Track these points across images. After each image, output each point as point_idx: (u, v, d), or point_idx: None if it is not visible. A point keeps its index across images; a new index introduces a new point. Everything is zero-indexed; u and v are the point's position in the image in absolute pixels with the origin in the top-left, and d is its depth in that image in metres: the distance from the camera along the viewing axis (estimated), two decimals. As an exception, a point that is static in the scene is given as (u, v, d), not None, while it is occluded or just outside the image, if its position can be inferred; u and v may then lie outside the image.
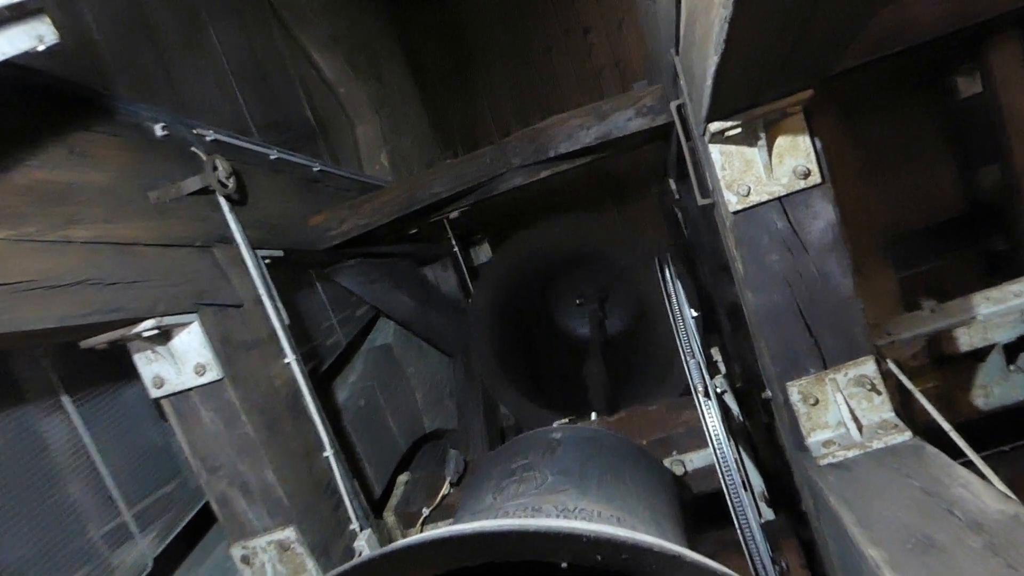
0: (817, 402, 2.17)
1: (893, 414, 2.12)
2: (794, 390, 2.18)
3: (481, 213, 6.80)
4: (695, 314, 2.80)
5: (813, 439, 2.16)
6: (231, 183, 2.76)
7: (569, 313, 5.69)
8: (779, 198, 2.10)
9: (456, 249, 5.73)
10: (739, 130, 1.94)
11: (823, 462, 2.07)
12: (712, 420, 2.25)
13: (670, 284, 2.83)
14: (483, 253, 6.62)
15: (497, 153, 3.40)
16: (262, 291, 2.80)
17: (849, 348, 2.18)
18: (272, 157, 3.34)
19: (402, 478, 3.57)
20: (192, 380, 2.44)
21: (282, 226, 3.26)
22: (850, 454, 2.06)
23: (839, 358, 2.18)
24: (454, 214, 3.95)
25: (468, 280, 5.84)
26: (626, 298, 5.39)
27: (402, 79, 6.77)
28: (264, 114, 3.92)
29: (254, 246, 2.84)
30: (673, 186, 4.78)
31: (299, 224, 3.47)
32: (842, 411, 2.13)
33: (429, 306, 4.99)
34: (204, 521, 2.78)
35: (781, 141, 2.04)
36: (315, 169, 3.82)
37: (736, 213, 2.13)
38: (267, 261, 2.93)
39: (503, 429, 5.50)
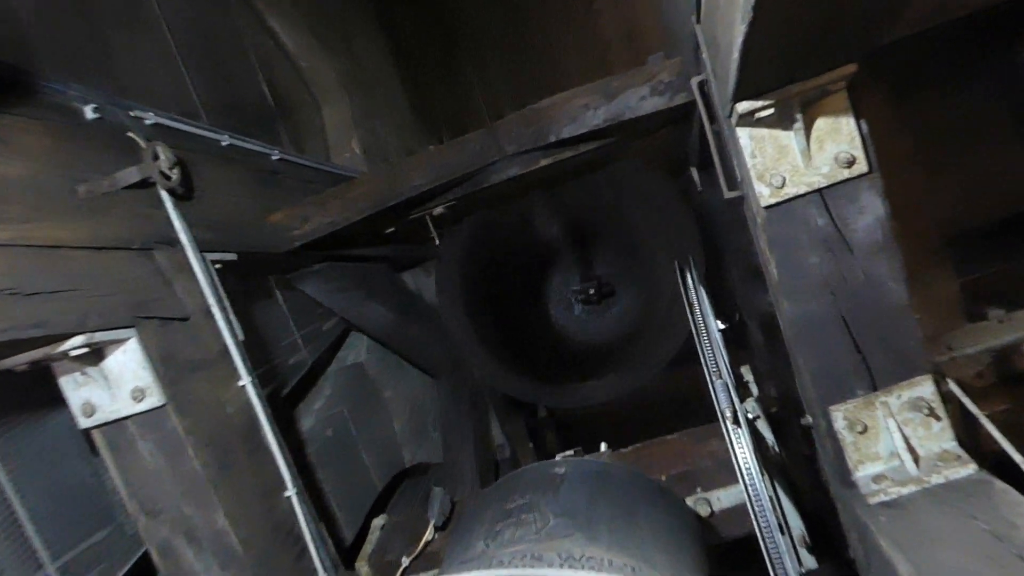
0: (866, 429, 2.17)
1: (955, 443, 2.12)
2: (839, 415, 2.18)
3: (470, 209, 6.81)
4: (722, 326, 2.79)
5: (861, 473, 2.15)
6: (175, 174, 2.75)
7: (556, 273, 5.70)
8: (819, 190, 2.10)
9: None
10: (771, 111, 1.95)
11: (873, 500, 2.07)
12: (743, 451, 2.25)
13: (692, 291, 2.83)
14: (472, 256, 6.62)
15: (488, 139, 3.39)
16: (212, 301, 2.78)
17: (902, 366, 2.18)
18: (224, 144, 3.33)
19: (377, 522, 3.55)
20: (129, 407, 2.42)
21: (235, 225, 3.25)
22: (905, 491, 2.05)
23: (891, 378, 2.18)
24: (438, 210, 3.94)
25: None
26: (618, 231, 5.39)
27: (378, 54, 6.78)
28: (215, 94, 3.91)
29: (202, 248, 2.83)
30: (695, 177, 4.78)
31: (255, 222, 3.47)
32: (895, 440, 2.13)
33: (409, 318, 4.99)
34: (143, 574, 2.76)
35: (821, 124, 2.04)
36: (274, 158, 3.82)
37: (769, 208, 2.13)
38: (218, 266, 2.91)
39: (497, 462, 5.50)
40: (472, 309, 5.12)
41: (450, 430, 5.20)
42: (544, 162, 3.49)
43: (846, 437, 2.18)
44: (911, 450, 2.13)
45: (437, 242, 5.57)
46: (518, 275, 5.66)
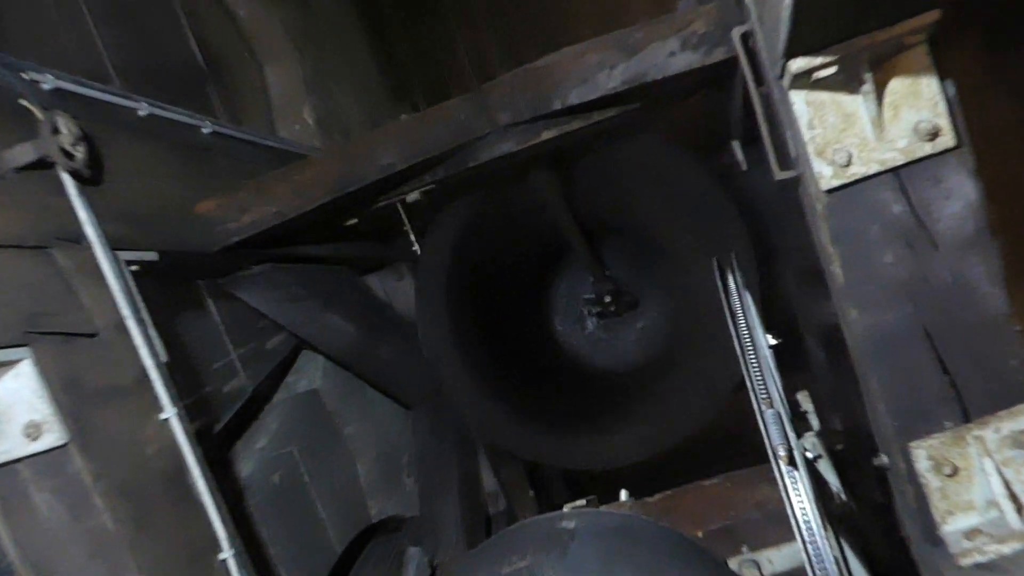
0: (956, 472, 2.17)
1: (1069, 489, 2.13)
2: (921, 454, 2.19)
3: (453, 195, 6.82)
4: (773, 342, 2.80)
5: (950, 527, 2.16)
6: (80, 153, 2.74)
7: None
8: (894, 169, 2.11)
9: (417, 248, 5.73)
10: (834, 70, 1.96)
11: (965, 561, 2.07)
12: (800, 500, 2.25)
13: (735, 297, 2.84)
14: (456, 254, 6.61)
15: (476, 106, 3.40)
16: (127, 313, 2.78)
17: (1002, 391, 2.19)
18: (142, 114, 3.33)
19: (337, 593, 3.55)
20: (21, 447, 2.41)
21: (156, 217, 3.25)
22: (1006, 549, 2.06)
23: (987, 406, 2.19)
24: (413, 196, 3.94)
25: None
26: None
27: (337, 3, 6.79)
28: (130, 53, 3.91)
29: (114, 246, 2.82)
30: (738, 154, 4.80)
31: (181, 214, 3.46)
32: (993, 485, 2.14)
33: (377, 333, 4.99)
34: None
35: (896, 86, 2.05)
36: (205, 131, 3.82)
37: (831, 192, 2.14)
38: (134, 268, 2.91)
39: (489, 517, 5.49)
40: (459, 329, 5.10)
41: (428, 475, 5.20)
42: (547, 135, 3.49)
43: (931, 481, 2.19)
44: (1013, 498, 2.13)
45: (412, 237, 5.59)
46: (517, 281, 5.65)
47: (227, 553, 2.87)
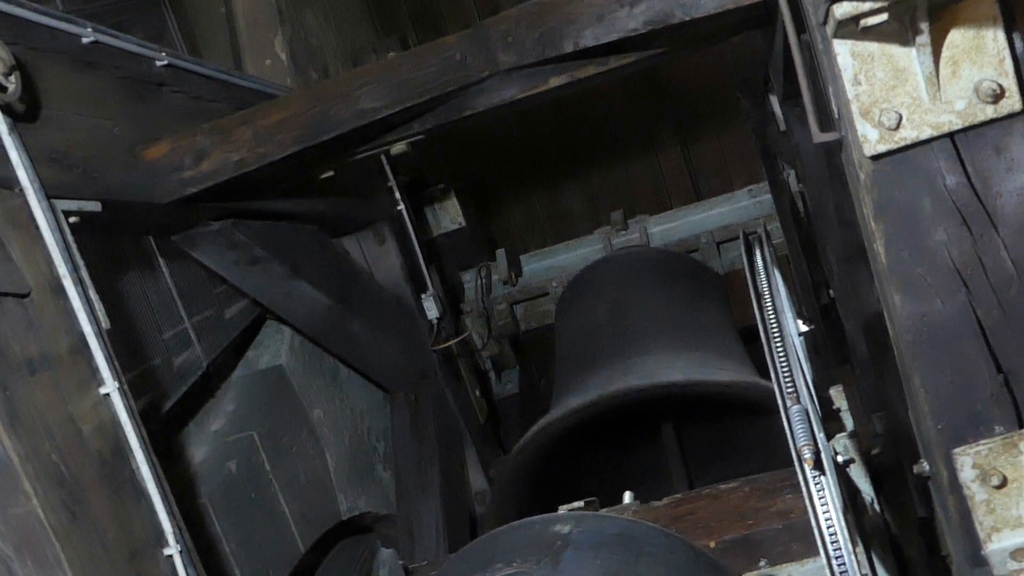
0: (1005, 483, 2.18)
1: None
2: (967, 462, 2.20)
3: (445, 146, 6.81)
4: (804, 328, 2.81)
5: (996, 545, 2.18)
6: (12, 84, 2.73)
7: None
8: (951, 134, 2.11)
9: (402, 208, 5.73)
10: (885, 17, 1.95)
11: (1013, 585, 2.10)
12: (827, 510, 2.27)
13: (763, 277, 2.85)
14: (447, 215, 6.61)
15: (474, 44, 3.39)
16: (64, 271, 2.78)
17: (1063, 394, 2.20)
18: (85, 41, 3.31)
19: (298, 597, 3.59)
20: (-62, 422, 2.42)
21: (99, 161, 3.25)
22: (1058, 573, 2.08)
23: (1045, 410, 2.20)
24: (399, 147, 3.94)
25: (423, 261, 5.85)
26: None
27: (316, -87, 6.74)
28: (74, -33, 3.89)
29: (51, 193, 2.82)
30: (776, 111, 4.79)
31: (129, 159, 3.46)
32: (1047, 500, 2.16)
33: (353, 304, 5.00)
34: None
35: (956, 38, 2.05)
36: (159, 64, 3.80)
37: (877, 158, 2.14)
38: (73, 220, 2.91)
39: (475, 517, 5.52)
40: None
41: (407, 468, 5.22)
42: (556, 82, 3.49)
43: (976, 493, 2.20)
44: (1069, 515, 2.15)
45: (396, 194, 5.59)
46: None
47: (173, 549, 2.88)
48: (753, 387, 4.42)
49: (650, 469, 5.10)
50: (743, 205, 6.73)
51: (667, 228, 6.79)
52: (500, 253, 6.74)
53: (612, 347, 5.23)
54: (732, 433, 5.13)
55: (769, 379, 2.60)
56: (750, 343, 4.90)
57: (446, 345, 5.79)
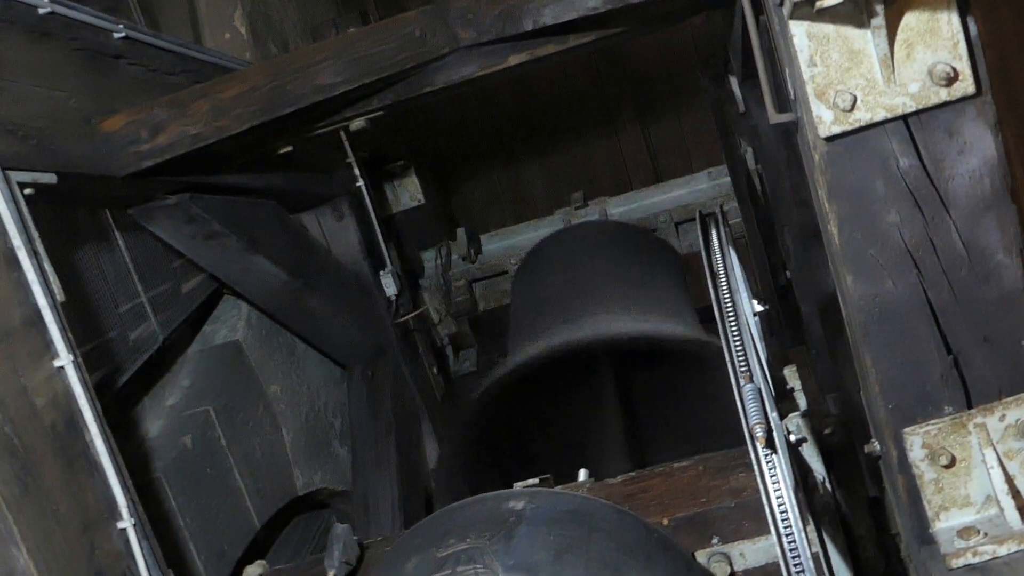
0: (953, 462, 2.21)
1: (1078, 487, 2.18)
2: (916, 441, 2.22)
3: (405, 123, 6.79)
4: (759, 308, 2.82)
5: (944, 524, 2.21)
6: (-33, 53, 2.72)
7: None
8: (904, 116, 2.12)
9: (361, 184, 5.71)
10: (840, -1, 1.96)
11: (957, 563, 2.12)
12: (778, 489, 2.28)
13: (718, 257, 2.86)
14: (406, 192, 6.59)
15: (435, 21, 3.38)
16: (18, 243, 2.76)
17: (1011, 375, 2.23)
18: (42, 11, 3.28)
19: (253, 570, 3.57)
20: None
21: (55, 133, 3.22)
22: (1002, 551, 2.10)
23: (993, 391, 2.23)
24: (358, 123, 3.93)
25: (381, 238, 5.84)
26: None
27: None
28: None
29: (5, 164, 2.80)
30: (736, 91, 4.81)
31: (85, 131, 3.43)
32: (993, 479, 2.18)
33: (311, 280, 4.98)
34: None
35: (911, 21, 2.06)
36: (117, 36, 3.77)
37: (832, 140, 2.15)
38: (28, 192, 2.89)
39: (429, 493, 5.52)
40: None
41: (363, 445, 5.22)
42: (515, 59, 3.49)
43: (925, 472, 2.23)
44: (1015, 494, 2.17)
45: (355, 170, 5.57)
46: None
47: (127, 522, 2.88)
48: (696, 341, 4.47)
49: (596, 439, 5.13)
50: (702, 187, 6.76)
51: (626, 210, 6.82)
52: (460, 232, 6.74)
53: (563, 309, 5.27)
54: (679, 401, 5.17)
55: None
56: (706, 323, 4.92)
57: (404, 318, 5.79)
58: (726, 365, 2.54)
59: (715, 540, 2.89)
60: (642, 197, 6.91)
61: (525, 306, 5.90)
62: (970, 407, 2.23)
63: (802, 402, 3.15)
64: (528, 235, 6.87)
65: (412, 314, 5.93)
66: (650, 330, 4.72)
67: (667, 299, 5.46)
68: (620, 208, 6.83)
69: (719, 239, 3.00)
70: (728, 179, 6.38)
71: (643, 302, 5.32)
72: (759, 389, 2.39)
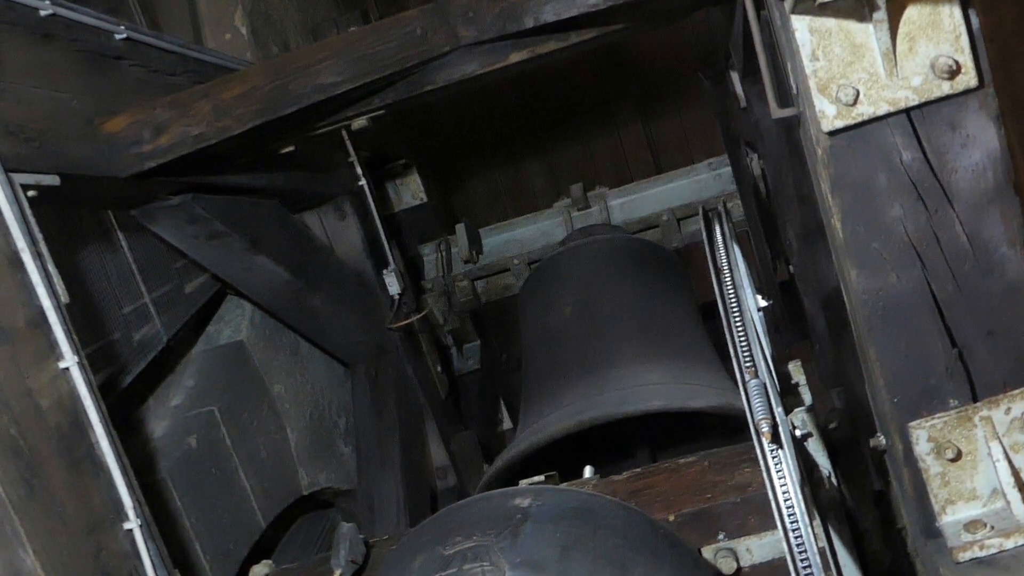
0: (959, 456, 2.21)
1: (1085, 479, 2.18)
2: (922, 435, 2.22)
3: (406, 122, 6.78)
4: (763, 303, 2.82)
5: (950, 517, 2.21)
6: (-31, 56, 2.72)
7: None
8: (907, 110, 2.13)
9: (363, 183, 5.71)
10: (842, -8, 1.97)
11: (963, 556, 2.12)
12: (784, 484, 2.28)
13: (721, 252, 2.86)
14: (408, 191, 6.59)
15: (435, 18, 3.38)
16: (22, 245, 2.76)
17: (1016, 368, 2.23)
18: (44, 13, 3.29)
19: (259, 570, 3.58)
20: None
21: (58, 134, 3.23)
22: (1009, 544, 2.10)
23: (999, 384, 2.23)
24: (359, 122, 3.93)
25: (384, 237, 5.84)
26: None
27: None
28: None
29: (9, 166, 2.80)
30: (737, 87, 4.81)
31: (87, 132, 3.44)
32: (1000, 472, 2.18)
33: (314, 279, 4.98)
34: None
35: (913, 14, 2.06)
36: (118, 37, 3.77)
37: (834, 134, 2.15)
38: (31, 194, 2.89)
39: (435, 493, 5.53)
40: None
41: (368, 444, 5.22)
42: (516, 57, 3.49)
43: (931, 466, 2.23)
44: (1021, 487, 2.17)
45: (358, 169, 5.57)
46: None
47: (133, 523, 2.88)
48: (730, 409, 4.44)
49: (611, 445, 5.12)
50: (703, 179, 6.71)
51: (627, 201, 6.75)
52: (459, 228, 6.71)
53: (581, 354, 5.19)
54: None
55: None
56: (710, 319, 4.91)
57: (406, 322, 5.78)
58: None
59: (721, 536, 2.89)
60: (642, 189, 6.84)
61: (537, 341, 5.81)
62: (975, 400, 2.23)
63: (807, 397, 3.15)
64: (527, 228, 6.79)
65: (416, 317, 5.91)
66: (681, 403, 4.63)
67: (686, 339, 5.35)
68: (620, 200, 6.76)
69: (722, 234, 3.00)
70: (729, 170, 6.35)
71: (663, 347, 5.22)
72: (764, 384, 2.40)
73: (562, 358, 5.27)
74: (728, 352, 2.62)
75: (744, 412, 2.43)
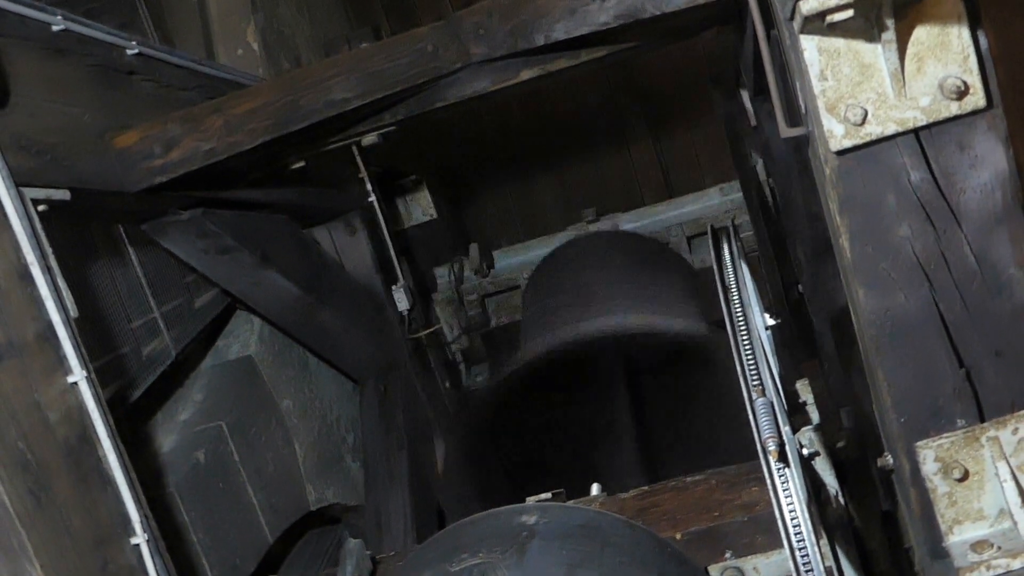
0: (966, 476, 2.21)
1: (1092, 501, 2.17)
2: (929, 455, 2.22)
3: (417, 138, 6.80)
4: (771, 322, 2.82)
5: (957, 538, 2.20)
6: (-18, 70, 2.73)
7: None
8: (915, 130, 2.13)
9: (374, 199, 5.72)
10: (851, 13, 1.96)
11: (971, 576, 2.12)
12: (791, 503, 2.28)
13: (730, 270, 2.86)
14: (418, 207, 6.60)
15: (446, 35, 3.39)
16: (32, 259, 2.77)
17: (1023, 388, 2.23)
18: (56, 28, 3.30)
19: (266, 587, 3.59)
20: (-97, 408, 2.41)
21: (69, 149, 3.24)
22: (1016, 564, 2.10)
23: (1006, 405, 2.22)
24: (370, 138, 3.94)
25: (393, 253, 5.85)
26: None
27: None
28: (45, -46, 3.87)
29: (20, 181, 2.81)
30: (747, 105, 4.81)
31: (98, 147, 3.45)
32: (1007, 492, 2.17)
33: (323, 295, 4.99)
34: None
35: (921, 35, 2.06)
36: (130, 52, 3.79)
37: (843, 153, 2.15)
38: (42, 208, 2.90)
39: (442, 508, 5.52)
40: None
41: (375, 459, 5.22)
42: (527, 74, 3.50)
43: (938, 486, 2.22)
44: (1029, 508, 2.17)
45: (368, 185, 5.58)
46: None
47: (140, 538, 2.88)
48: (704, 336, 4.52)
49: (608, 446, 5.14)
50: (714, 202, 6.75)
51: (638, 226, 6.82)
52: (474, 247, 6.74)
53: (572, 313, 5.29)
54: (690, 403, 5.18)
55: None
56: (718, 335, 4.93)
57: (418, 335, 5.80)
58: (734, 362, 2.56)
59: (728, 554, 2.89)
60: (653, 213, 6.91)
61: (535, 316, 5.91)
62: (983, 420, 2.22)
63: (815, 416, 3.15)
64: (540, 251, 6.86)
65: (427, 330, 5.92)
66: (658, 323, 4.74)
67: (676, 301, 5.48)
68: (631, 224, 6.83)
69: (731, 253, 3.00)
70: (739, 194, 6.37)
71: (651, 300, 5.36)
72: (772, 403, 2.40)
73: (555, 321, 5.36)
74: (731, 357, 2.62)
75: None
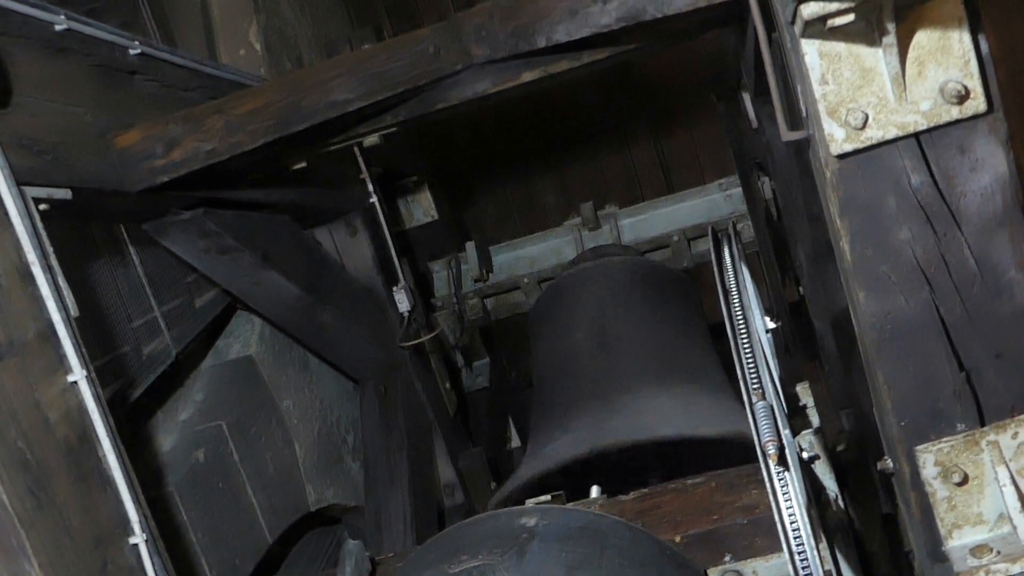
0: (966, 480, 2.21)
1: (1092, 505, 2.17)
2: (929, 459, 2.22)
3: (419, 139, 6.80)
4: (771, 325, 2.82)
5: (956, 542, 2.20)
6: (-17, 70, 2.73)
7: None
8: (916, 134, 2.13)
9: (375, 200, 5.72)
10: (851, 17, 1.97)
11: (971, 582, 2.12)
12: (791, 506, 2.28)
13: (730, 273, 2.86)
14: (420, 208, 6.60)
15: (448, 36, 3.40)
16: (33, 258, 2.77)
17: (1024, 392, 2.23)
18: (59, 28, 3.30)
19: (265, 587, 3.59)
20: (-97, 407, 2.41)
21: (71, 148, 3.24)
22: (1016, 569, 2.09)
23: (1005, 408, 2.23)
24: (371, 139, 3.94)
25: (394, 253, 5.84)
26: None
27: None
28: (47, -47, 3.87)
29: (20, 180, 2.81)
30: (749, 107, 4.82)
31: (100, 146, 3.45)
32: (1007, 497, 2.17)
33: (324, 295, 4.99)
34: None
35: (922, 39, 2.07)
36: (133, 52, 3.79)
37: (843, 157, 2.16)
38: (43, 207, 2.90)
39: (443, 510, 5.52)
40: None
41: (375, 460, 5.22)
42: (528, 76, 3.50)
43: (938, 490, 2.22)
44: (1029, 512, 2.17)
45: (369, 186, 5.58)
46: None
47: (139, 538, 2.88)
48: (739, 436, 4.40)
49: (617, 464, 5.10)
50: (714, 198, 6.71)
51: (637, 221, 6.74)
52: (470, 246, 6.71)
53: (594, 381, 5.16)
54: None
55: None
56: (718, 339, 4.90)
57: (417, 341, 5.78)
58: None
59: (728, 557, 2.89)
60: (653, 208, 6.84)
61: (549, 365, 5.77)
62: (983, 424, 2.23)
63: (815, 419, 3.15)
64: (537, 246, 6.79)
65: (426, 336, 5.91)
66: (691, 430, 4.57)
67: (700, 367, 5.29)
68: (631, 219, 6.74)
69: (731, 255, 3.00)
70: (739, 189, 6.35)
71: (676, 375, 5.16)
72: (771, 406, 2.40)
73: (573, 382, 5.25)
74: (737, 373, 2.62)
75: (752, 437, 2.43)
